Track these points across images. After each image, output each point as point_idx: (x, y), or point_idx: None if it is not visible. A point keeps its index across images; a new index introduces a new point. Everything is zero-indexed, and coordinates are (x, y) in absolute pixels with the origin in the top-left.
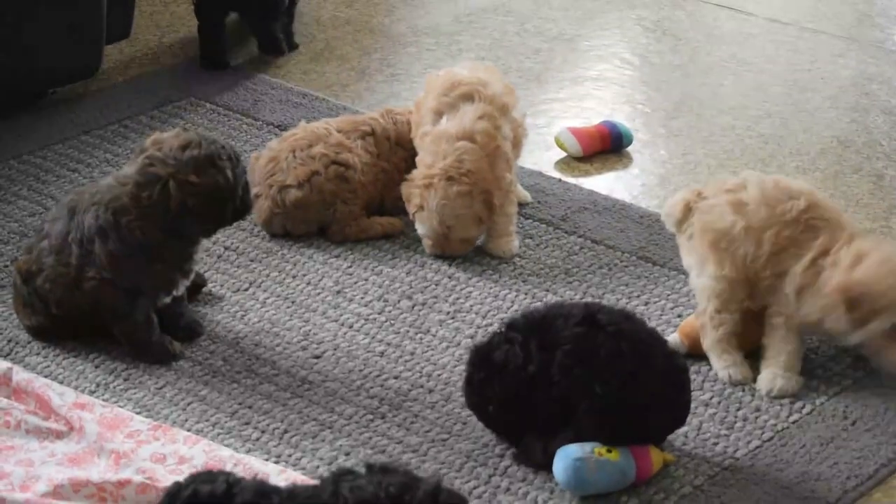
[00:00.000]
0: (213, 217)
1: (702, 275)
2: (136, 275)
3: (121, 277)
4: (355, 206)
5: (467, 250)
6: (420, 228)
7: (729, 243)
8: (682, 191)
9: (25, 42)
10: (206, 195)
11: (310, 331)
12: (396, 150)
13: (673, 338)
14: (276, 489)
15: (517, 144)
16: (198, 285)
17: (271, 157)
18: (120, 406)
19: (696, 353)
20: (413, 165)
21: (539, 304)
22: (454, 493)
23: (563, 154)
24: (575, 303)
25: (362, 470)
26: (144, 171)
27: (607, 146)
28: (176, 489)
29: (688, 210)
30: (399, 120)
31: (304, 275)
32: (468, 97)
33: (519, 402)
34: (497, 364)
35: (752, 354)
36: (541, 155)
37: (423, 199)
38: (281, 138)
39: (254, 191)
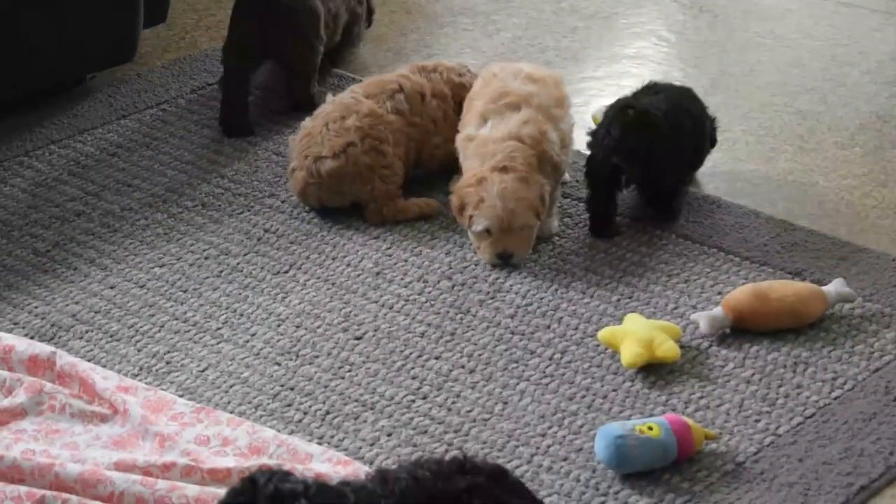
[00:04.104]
0: None
1: None
2: None
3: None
4: (393, 185)
5: (527, 250)
6: (479, 224)
7: None
8: None
9: (62, 28)
10: None
11: (350, 312)
12: (431, 102)
13: (717, 311)
14: (343, 489)
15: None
16: None
17: (306, 133)
18: (163, 389)
19: (741, 328)
20: (456, 113)
21: None
22: (480, 463)
23: None
24: None
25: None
26: None
27: None
28: (250, 485)
29: None
30: (434, 78)
31: (344, 256)
32: (515, 107)
33: None
34: None
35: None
36: (579, 134)
37: (480, 193)
38: (313, 116)
39: (290, 165)
